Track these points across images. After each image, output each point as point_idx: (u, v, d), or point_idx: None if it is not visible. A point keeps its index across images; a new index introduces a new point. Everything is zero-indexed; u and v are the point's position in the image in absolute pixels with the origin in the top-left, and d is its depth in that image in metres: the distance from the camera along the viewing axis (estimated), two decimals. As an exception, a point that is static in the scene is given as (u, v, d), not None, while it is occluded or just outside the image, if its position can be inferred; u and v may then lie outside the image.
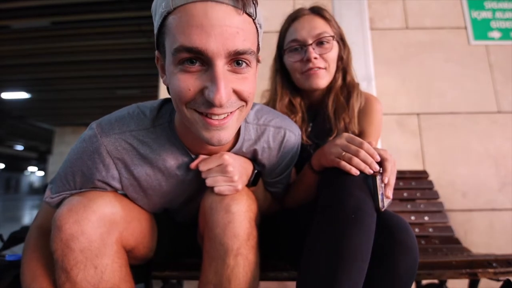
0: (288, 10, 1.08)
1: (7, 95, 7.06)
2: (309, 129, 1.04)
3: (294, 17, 1.01)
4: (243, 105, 0.60)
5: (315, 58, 0.94)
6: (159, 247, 0.89)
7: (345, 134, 0.78)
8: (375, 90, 1.73)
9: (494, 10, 1.86)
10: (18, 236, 0.98)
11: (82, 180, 0.70)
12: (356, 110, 0.98)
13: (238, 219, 0.68)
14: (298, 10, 1.02)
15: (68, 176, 0.70)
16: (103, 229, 0.63)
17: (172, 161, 0.73)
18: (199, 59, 0.54)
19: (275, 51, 1.08)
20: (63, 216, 0.62)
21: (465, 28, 1.82)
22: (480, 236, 1.57)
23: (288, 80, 1.05)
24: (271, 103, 1.08)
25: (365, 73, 1.75)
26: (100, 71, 5.48)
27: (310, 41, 0.95)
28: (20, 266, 0.72)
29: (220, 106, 0.54)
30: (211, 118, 0.57)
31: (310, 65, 0.94)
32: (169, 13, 0.54)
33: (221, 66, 0.54)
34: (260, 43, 0.63)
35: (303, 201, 0.94)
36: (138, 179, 0.73)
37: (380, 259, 0.67)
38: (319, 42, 0.96)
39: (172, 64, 0.56)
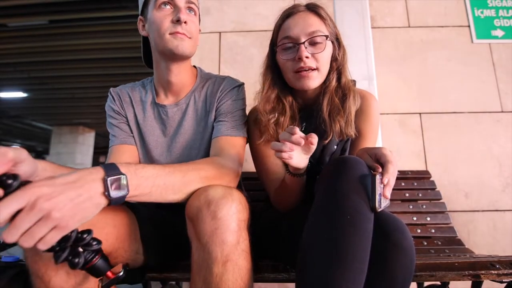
0: (288, 9, 1.06)
1: (4, 94, 7.01)
2: (302, 129, 1.01)
3: (288, 14, 0.97)
4: (191, 37, 0.96)
5: (307, 57, 0.90)
6: (150, 249, 0.87)
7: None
8: (376, 90, 1.72)
9: (497, 8, 1.85)
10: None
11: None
12: (353, 113, 0.95)
13: (225, 224, 0.65)
14: (293, 6, 0.99)
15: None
16: None
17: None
18: (170, 4, 0.94)
19: (268, 47, 1.05)
20: None
21: (468, 26, 1.81)
22: (483, 237, 1.56)
23: (280, 78, 1.02)
24: (257, 100, 1.05)
25: (366, 72, 1.73)
26: (98, 69, 5.44)
27: (303, 39, 0.91)
28: (16, 268, 0.74)
29: (184, 21, 0.92)
30: (178, 33, 0.92)
31: (302, 64, 0.91)
32: None
33: (182, 6, 0.94)
34: (199, 8, 1.04)
35: (292, 203, 0.94)
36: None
37: (375, 260, 0.66)
38: (312, 41, 0.92)
39: (154, 10, 0.94)
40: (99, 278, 0.63)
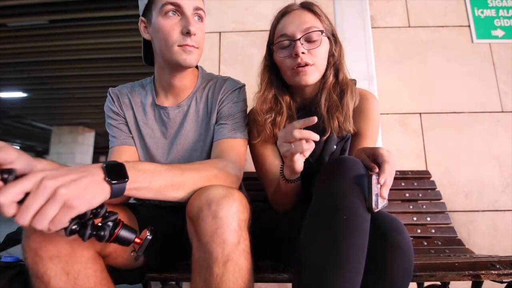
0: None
1: (4, 94, 7.01)
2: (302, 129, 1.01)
3: (283, 13, 0.98)
4: (199, 47, 0.94)
5: (303, 53, 0.91)
6: (150, 249, 0.87)
7: (279, 133, 0.78)
8: (376, 90, 1.72)
9: (497, 8, 1.85)
10: (14, 237, 0.96)
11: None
12: (351, 108, 0.95)
13: (226, 224, 0.65)
14: (288, 5, 1.00)
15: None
16: (71, 237, 0.61)
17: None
18: (177, 12, 0.90)
19: (266, 48, 1.05)
20: None
21: (468, 26, 1.81)
22: (483, 237, 1.56)
23: (278, 78, 1.02)
24: (254, 99, 1.05)
25: (366, 72, 1.73)
26: (98, 69, 5.44)
27: (298, 36, 0.92)
28: (16, 268, 0.74)
29: (194, 34, 0.89)
30: (187, 46, 0.90)
31: (298, 60, 0.91)
32: None
33: (190, 14, 0.91)
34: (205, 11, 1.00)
35: (287, 206, 0.95)
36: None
37: (373, 261, 0.66)
38: (308, 37, 0.92)
39: (159, 16, 0.90)
40: (132, 250, 0.65)
